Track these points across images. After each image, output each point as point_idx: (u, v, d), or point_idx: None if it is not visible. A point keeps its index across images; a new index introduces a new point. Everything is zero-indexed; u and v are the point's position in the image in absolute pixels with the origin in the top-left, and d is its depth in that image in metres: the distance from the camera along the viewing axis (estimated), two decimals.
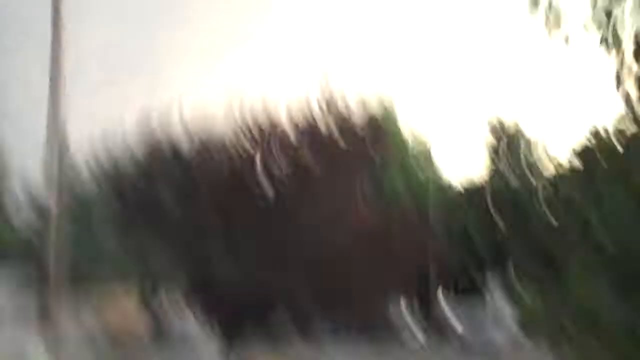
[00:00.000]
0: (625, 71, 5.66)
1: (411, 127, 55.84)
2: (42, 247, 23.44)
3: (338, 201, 13.78)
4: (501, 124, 49.55)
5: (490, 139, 49.44)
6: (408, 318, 56.00)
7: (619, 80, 5.72)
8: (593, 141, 6.93)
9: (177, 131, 15.02)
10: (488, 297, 48.86)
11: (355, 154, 14.23)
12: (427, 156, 50.50)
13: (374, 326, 45.75)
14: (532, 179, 46.96)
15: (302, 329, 34.36)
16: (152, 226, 15.09)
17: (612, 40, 5.40)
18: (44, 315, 21.66)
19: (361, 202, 15.43)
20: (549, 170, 46.98)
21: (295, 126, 13.45)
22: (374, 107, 47.87)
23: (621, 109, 6.20)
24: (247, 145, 13.65)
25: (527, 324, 7.31)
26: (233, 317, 14.83)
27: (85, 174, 42.92)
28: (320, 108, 13.60)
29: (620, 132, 6.89)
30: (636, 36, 5.49)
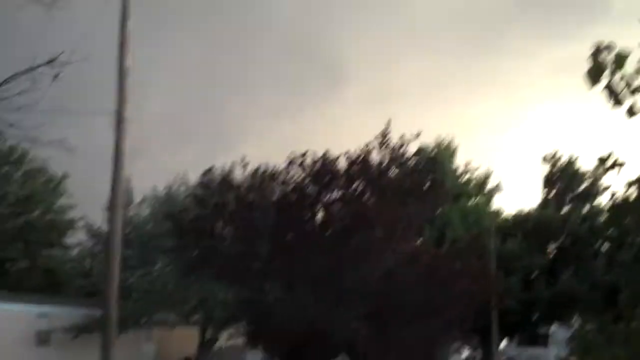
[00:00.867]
0: None
1: (468, 160, 55.98)
2: (104, 287, 23.85)
3: (390, 232, 13.70)
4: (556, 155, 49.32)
5: (546, 171, 49.15)
6: None
7: None
8: None
9: (237, 179, 15.16)
10: (552, 348, 48.03)
11: (406, 183, 14.17)
12: (483, 190, 50.30)
13: None
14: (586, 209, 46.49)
15: None
16: (210, 266, 15.14)
17: None
18: (106, 348, 21.95)
19: (415, 237, 15.38)
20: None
21: (349, 159, 13.48)
22: (429, 142, 47.76)
23: None
24: (302, 178, 13.69)
25: (582, 358, 7.10)
26: (292, 356, 14.76)
27: (147, 219, 43.71)
28: (376, 142, 13.63)
29: None
30: None
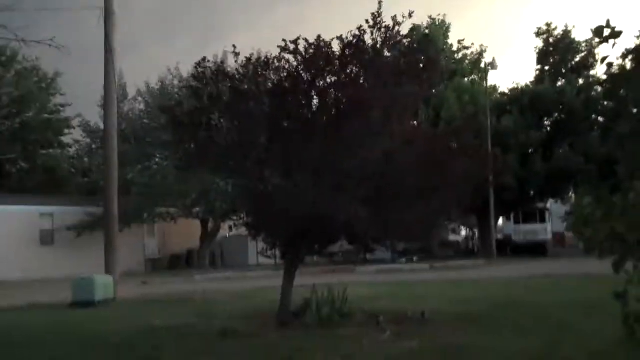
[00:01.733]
0: None
1: (461, 36, 55.60)
2: (103, 185, 24.08)
3: (386, 114, 13.68)
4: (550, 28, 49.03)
5: (540, 44, 48.91)
6: (466, 243, 56.26)
7: None
8: None
9: (231, 69, 15.01)
10: (548, 223, 48.76)
11: (401, 64, 14.06)
12: (478, 67, 50.19)
13: (431, 251, 46.16)
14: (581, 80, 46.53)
15: (361, 253, 34.61)
16: (209, 158, 15.17)
17: None
18: (109, 244, 22.34)
19: (411, 118, 15.40)
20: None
21: (342, 43, 13.33)
22: (423, 20, 47.18)
23: None
24: (296, 65, 13.55)
25: (580, 232, 7.20)
26: (293, 242, 14.97)
27: (142, 113, 43.61)
28: (368, 24, 13.45)
29: None
30: None
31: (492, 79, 51.70)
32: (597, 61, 46.84)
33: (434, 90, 34.21)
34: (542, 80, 47.18)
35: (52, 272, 35.44)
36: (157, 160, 42.28)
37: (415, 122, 16.77)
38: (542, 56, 48.80)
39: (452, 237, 54.93)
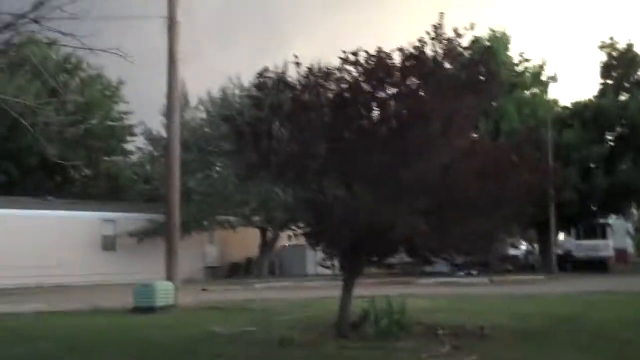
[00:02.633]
0: None
1: (523, 50, 54.97)
2: (165, 192, 24.43)
3: (446, 127, 13.65)
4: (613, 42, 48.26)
5: (604, 58, 48.17)
6: (526, 258, 55.54)
7: None
8: None
9: (292, 79, 15.12)
10: (610, 239, 47.86)
11: (462, 77, 14.02)
12: (539, 80, 49.64)
13: (491, 265, 45.71)
14: None
15: (420, 266, 34.59)
16: (269, 168, 15.30)
17: None
18: (170, 251, 22.64)
19: (472, 130, 15.32)
20: None
21: (403, 55, 13.35)
22: (484, 33, 46.89)
23: None
24: (357, 76, 13.63)
25: None
26: (352, 254, 15.00)
27: (204, 122, 44.13)
28: (429, 35, 13.47)
29: None
30: None
31: (553, 92, 51.08)
32: None
33: (494, 103, 33.94)
34: (605, 94, 46.51)
35: (114, 278, 36.04)
36: (218, 169, 42.73)
37: (475, 135, 16.68)
38: (606, 70, 48.12)
39: (512, 252, 54.30)
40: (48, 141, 21.47)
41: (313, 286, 33.90)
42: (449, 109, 13.74)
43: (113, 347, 13.55)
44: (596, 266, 44.27)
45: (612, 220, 51.21)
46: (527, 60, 50.14)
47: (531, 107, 44.84)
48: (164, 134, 34.98)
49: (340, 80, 13.98)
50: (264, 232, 45.46)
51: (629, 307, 19.98)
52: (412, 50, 13.61)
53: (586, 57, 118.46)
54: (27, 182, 47.15)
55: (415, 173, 13.47)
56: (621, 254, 53.13)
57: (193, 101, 44.09)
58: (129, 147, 53.96)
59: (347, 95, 13.84)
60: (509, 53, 49.42)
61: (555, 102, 49.19)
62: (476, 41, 40.94)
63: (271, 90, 14.65)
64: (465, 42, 14.17)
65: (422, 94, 13.89)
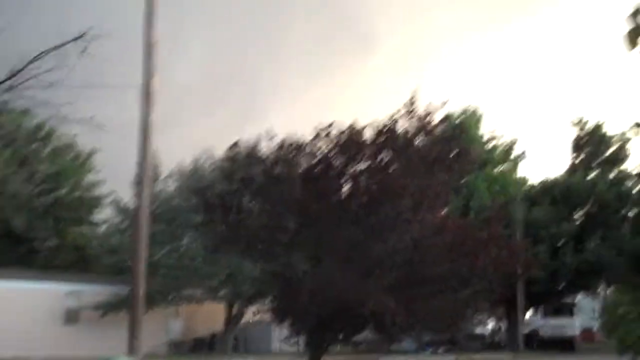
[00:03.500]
0: None
1: (493, 127, 55.61)
2: (131, 264, 24.09)
3: (416, 202, 13.65)
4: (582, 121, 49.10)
5: (573, 136, 48.93)
6: (493, 336, 55.30)
7: None
8: None
9: (264, 152, 15.12)
10: (577, 318, 47.87)
11: (433, 153, 14.10)
12: (509, 157, 50.18)
13: (457, 343, 45.39)
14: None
15: (387, 344, 34.06)
16: (238, 241, 15.17)
17: None
18: (133, 324, 22.18)
19: (441, 206, 15.35)
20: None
21: (375, 129, 13.43)
22: (455, 109, 47.41)
23: None
24: (328, 150, 13.66)
25: (611, 331, 7.04)
26: (319, 330, 14.78)
27: (174, 194, 43.92)
28: (400, 113, 13.57)
29: None
30: None
31: (523, 169, 51.67)
32: (629, 155, 46.79)
33: (464, 179, 34.16)
34: (574, 172, 47.06)
35: (76, 351, 35.22)
36: (185, 241, 42.32)
37: (445, 211, 16.71)
38: (576, 148, 48.80)
39: (479, 329, 54.02)
40: (15, 211, 21.22)
41: None
42: (420, 184, 13.77)
43: None
44: (562, 345, 44.11)
45: (579, 298, 51.27)
46: (497, 138, 50.76)
47: (501, 184, 45.16)
48: (133, 204, 34.68)
49: (311, 154, 14.00)
50: (229, 306, 44.87)
51: None
52: (384, 126, 13.70)
53: (555, 135, 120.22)
54: None
55: (385, 248, 13.41)
56: (587, 333, 53.08)
57: (164, 172, 43.89)
58: (97, 217, 53.38)
59: (317, 169, 13.84)
60: (480, 130, 50.00)
61: (525, 179, 49.63)
62: (447, 118, 41.42)
63: (242, 163, 14.62)
64: (436, 118, 14.30)
65: (393, 169, 13.93)
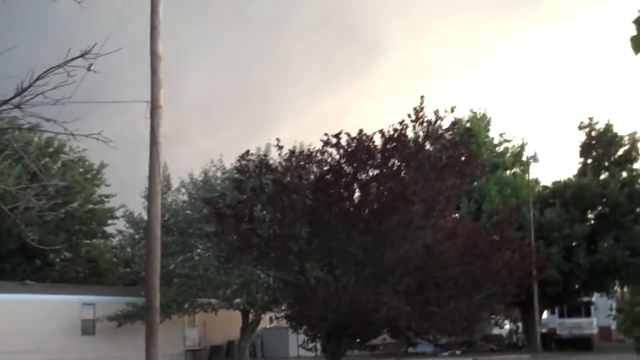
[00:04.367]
0: None
1: (503, 130, 55.50)
2: (145, 275, 24.17)
3: (428, 208, 13.68)
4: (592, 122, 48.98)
5: (583, 138, 48.79)
6: (510, 337, 55.16)
7: None
8: None
9: (274, 162, 15.19)
10: (593, 317, 47.70)
11: (443, 158, 14.13)
12: (519, 160, 50.10)
13: (474, 345, 45.27)
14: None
15: (403, 347, 34.05)
16: (250, 250, 15.23)
17: None
18: (150, 334, 22.25)
19: (453, 211, 15.37)
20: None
21: (384, 137, 13.47)
22: (464, 114, 47.33)
23: None
24: (338, 158, 13.71)
25: (628, 329, 7.06)
26: (335, 335, 14.82)
27: (186, 204, 44.07)
28: (410, 118, 13.61)
29: None
30: None
31: (534, 172, 51.55)
32: (639, 155, 46.63)
33: (475, 183, 34.17)
34: (584, 174, 46.87)
35: None
36: (199, 251, 42.41)
37: (457, 215, 16.73)
38: (585, 149, 48.60)
39: (496, 331, 53.84)
40: (28, 225, 21.29)
41: None
42: (431, 190, 13.81)
43: None
44: (580, 344, 43.91)
45: (596, 297, 51.02)
46: (507, 141, 50.59)
47: (512, 187, 45.02)
48: (145, 216, 34.79)
49: (321, 162, 14.05)
50: (245, 314, 44.92)
51: None
52: (393, 132, 13.74)
53: (566, 137, 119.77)
54: (5, 265, 46.58)
55: (398, 254, 13.44)
56: (604, 331, 52.84)
57: (175, 183, 44.03)
58: (109, 229, 53.58)
59: (328, 177, 13.89)
60: (489, 134, 49.88)
61: (536, 181, 49.48)
62: (456, 122, 41.39)
63: (253, 172, 14.68)
64: (445, 123, 14.35)
65: (403, 175, 13.97)
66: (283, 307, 16.48)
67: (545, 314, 51.95)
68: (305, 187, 14.20)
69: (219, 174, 42.01)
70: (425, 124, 13.83)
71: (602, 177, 46.54)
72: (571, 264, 42.48)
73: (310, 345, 16.11)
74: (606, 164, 48.11)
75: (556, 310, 49.03)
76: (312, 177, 14.16)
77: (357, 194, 14.12)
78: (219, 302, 41.81)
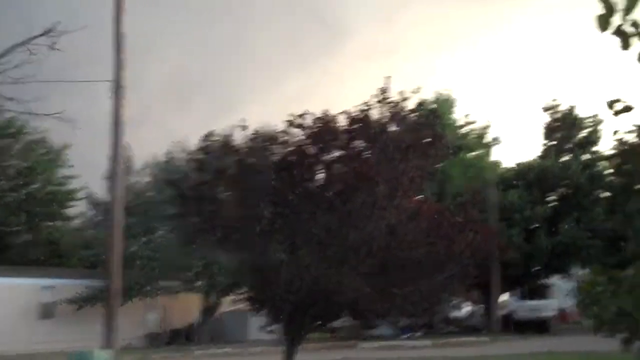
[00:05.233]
0: None
1: (467, 112, 55.72)
2: (106, 258, 23.97)
3: (392, 189, 13.64)
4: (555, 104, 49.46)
5: (546, 120, 49.27)
6: (470, 319, 55.68)
7: None
8: None
9: (237, 143, 15.04)
10: (553, 300, 48.27)
11: (407, 139, 14.09)
12: (483, 142, 50.42)
13: (434, 327, 45.65)
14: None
15: (364, 329, 34.19)
16: (213, 232, 15.10)
17: None
18: (109, 317, 22.07)
19: (417, 192, 15.35)
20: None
21: (349, 118, 13.40)
22: (429, 95, 47.49)
23: None
24: (302, 139, 13.62)
25: (587, 309, 7.06)
26: (296, 318, 14.76)
27: (148, 186, 43.74)
28: (375, 99, 13.54)
29: None
30: None
31: (497, 154, 51.94)
32: (601, 137, 47.19)
33: (439, 165, 34.34)
34: (547, 155, 47.36)
35: (53, 346, 34.97)
36: (161, 233, 42.16)
37: (420, 197, 16.70)
38: (548, 132, 49.07)
39: (455, 313, 54.26)
40: None
41: (254, 352, 33.34)
42: (395, 170, 13.77)
43: None
44: (538, 326, 44.47)
45: (554, 280, 51.64)
46: (471, 123, 50.87)
47: (475, 168, 45.35)
48: (106, 198, 34.47)
49: (285, 143, 13.95)
50: (206, 297, 44.80)
51: None
52: (357, 113, 13.67)
53: (529, 119, 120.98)
54: None
55: (361, 235, 13.40)
56: (561, 313, 53.60)
57: (138, 165, 43.71)
58: (71, 212, 53.04)
59: (292, 158, 13.80)
60: (454, 115, 50.09)
61: (499, 163, 49.85)
62: (421, 104, 41.49)
63: (215, 154, 14.54)
64: (410, 104, 14.29)
65: (367, 156, 13.92)
66: (244, 290, 16.36)
67: (506, 296, 52.48)
68: (268, 168, 14.10)
69: (182, 155, 41.76)
70: (389, 106, 13.77)
71: (564, 159, 47.01)
72: (532, 246, 42.97)
73: (270, 328, 16.06)
74: (569, 146, 48.61)
75: (516, 292, 49.58)
76: (275, 158, 14.05)
77: (320, 175, 14.04)
78: (181, 285, 41.64)
